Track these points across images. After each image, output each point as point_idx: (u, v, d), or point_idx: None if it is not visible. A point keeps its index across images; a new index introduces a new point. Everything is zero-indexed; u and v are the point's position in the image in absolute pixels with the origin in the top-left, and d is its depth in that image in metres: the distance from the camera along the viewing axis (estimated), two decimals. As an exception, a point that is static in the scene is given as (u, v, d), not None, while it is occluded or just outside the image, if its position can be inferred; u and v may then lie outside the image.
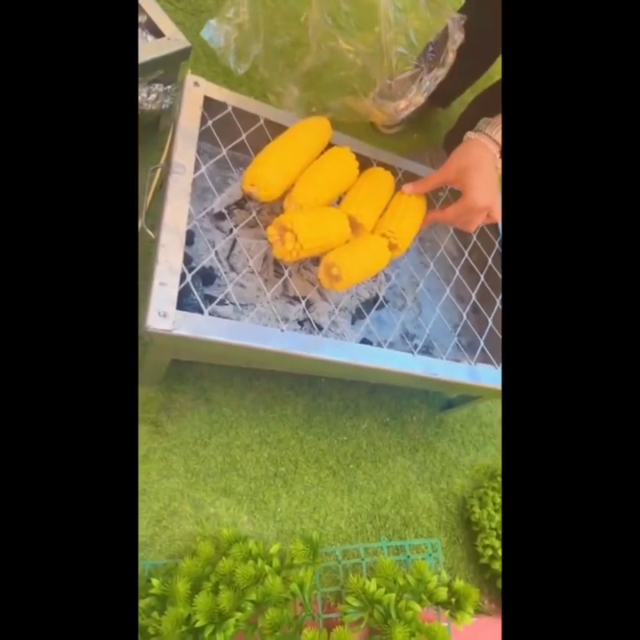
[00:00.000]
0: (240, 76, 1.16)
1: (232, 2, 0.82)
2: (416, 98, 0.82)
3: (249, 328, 0.68)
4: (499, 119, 0.78)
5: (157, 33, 0.83)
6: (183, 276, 0.66)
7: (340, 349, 0.73)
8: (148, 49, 0.80)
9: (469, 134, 0.79)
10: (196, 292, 0.67)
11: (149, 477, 0.79)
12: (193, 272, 0.67)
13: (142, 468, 0.79)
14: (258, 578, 0.71)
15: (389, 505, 0.94)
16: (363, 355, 0.73)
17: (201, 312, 0.66)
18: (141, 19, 0.82)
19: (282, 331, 0.69)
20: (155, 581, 0.69)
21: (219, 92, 0.80)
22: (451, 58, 0.81)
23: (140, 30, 0.82)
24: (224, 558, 0.72)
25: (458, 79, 1.19)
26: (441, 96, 1.25)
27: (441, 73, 0.82)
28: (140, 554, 0.75)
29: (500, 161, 0.78)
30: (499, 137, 0.77)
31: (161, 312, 0.62)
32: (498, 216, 0.79)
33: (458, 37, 0.80)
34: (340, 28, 0.81)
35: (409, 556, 0.82)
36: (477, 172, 0.75)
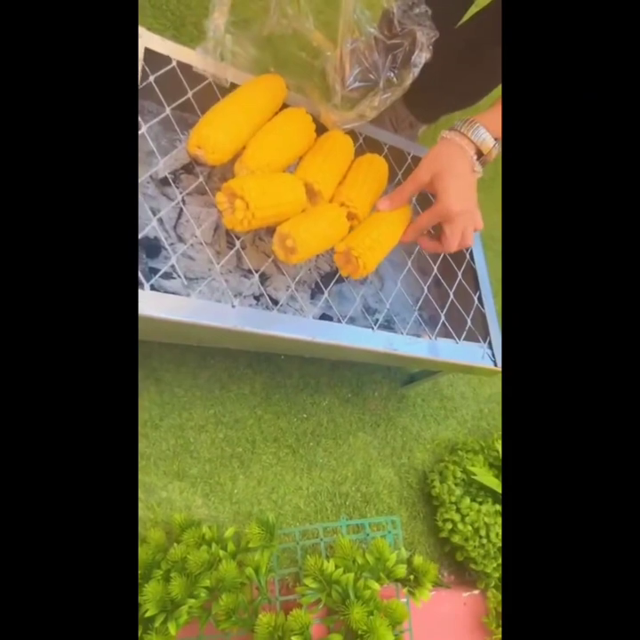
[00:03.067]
0: (191, 31, 1.08)
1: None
2: (366, 112, 0.76)
3: (197, 304, 0.63)
4: (479, 118, 0.72)
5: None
6: (122, 248, 0.60)
7: (297, 326, 0.69)
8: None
9: (444, 133, 0.73)
10: (164, 266, 0.62)
11: (95, 462, 0.75)
12: (153, 241, 0.62)
13: (87, 452, 0.74)
14: (212, 563, 0.69)
15: (350, 482, 0.93)
16: (321, 331, 0.70)
17: (141, 286, 0.60)
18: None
19: (233, 306, 0.65)
20: (101, 572, 0.66)
21: (162, 45, 0.73)
22: (411, 78, 0.74)
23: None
24: (176, 545, 0.69)
25: (449, 100, 1.12)
26: (428, 113, 1.17)
27: (396, 93, 0.75)
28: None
29: (478, 163, 0.72)
30: (478, 136, 0.70)
31: (97, 287, 0.56)
32: (479, 223, 0.74)
33: (424, 56, 0.73)
34: (303, 11, 0.73)
35: (368, 534, 0.81)
36: (451, 175, 0.69)
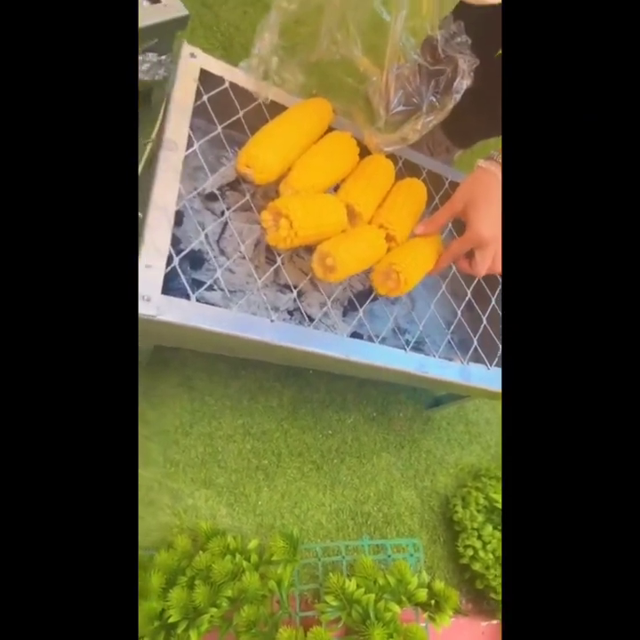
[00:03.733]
0: (239, 51, 1.12)
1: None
2: (408, 135, 0.78)
3: (238, 317, 0.65)
4: None
5: (153, -2, 0.78)
6: (170, 259, 0.62)
7: (332, 343, 0.70)
8: (143, 15, 0.75)
9: (480, 162, 0.75)
10: (183, 277, 0.64)
11: (126, 466, 0.76)
12: (181, 255, 0.64)
13: (119, 455, 0.76)
14: (235, 574, 0.69)
15: (372, 502, 0.93)
16: (354, 349, 0.71)
17: (186, 297, 0.63)
18: (137, -18, 0.77)
19: (272, 321, 0.67)
20: (128, 574, 0.67)
21: (216, 66, 0.76)
22: (452, 103, 0.76)
23: (134, -6, 0.77)
24: (201, 552, 0.70)
25: (486, 126, 1.14)
26: (464, 138, 1.19)
27: (438, 118, 0.78)
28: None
29: None
30: None
31: (145, 296, 0.58)
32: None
33: (465, 83, 0.76)
34: (352, 37, 0.76)
35: (390, 556, 0.81)
36: (484, 203, 0.71)
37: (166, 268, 0.61)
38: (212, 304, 0.71)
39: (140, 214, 0.66)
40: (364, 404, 1.00)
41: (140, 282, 0.59)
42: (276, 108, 0.79)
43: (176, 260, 0.63)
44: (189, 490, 0.79)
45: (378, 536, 0.90)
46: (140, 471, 0.77)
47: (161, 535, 0.75)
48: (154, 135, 0.91)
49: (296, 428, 0.91)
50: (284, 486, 0.86)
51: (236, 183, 0.83)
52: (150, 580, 0.66)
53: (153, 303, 0.59)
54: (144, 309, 0.58)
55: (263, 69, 0.85)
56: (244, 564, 0.70)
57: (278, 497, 0.85)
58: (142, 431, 0.79)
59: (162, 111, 0.95)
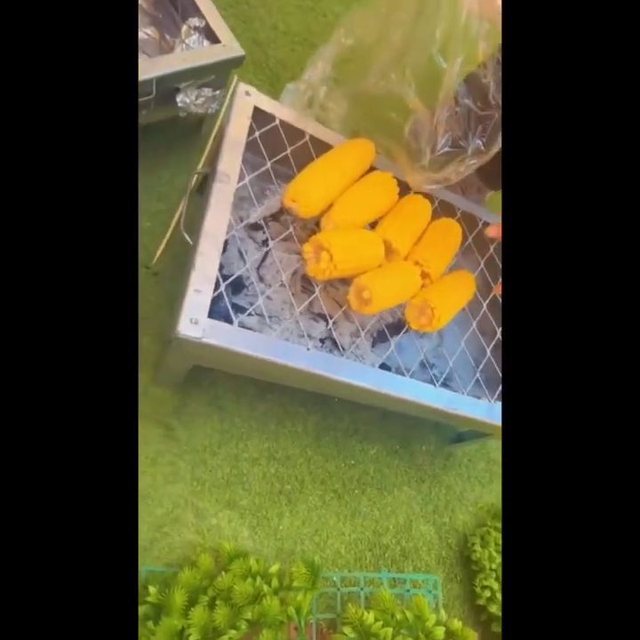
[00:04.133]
0: (276, 80, 1.17)
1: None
2: (451, 176, 0.81)
3: (276, 343, 0.67)
4: None
5: (214, 39, 0.83)
6: (217, 285, 0.65)
7: (364, 374, 0.72)
8: (203, 54, 0.81)
9: None
10: (227, 302, 0.67)
11: (155, 481, 0.78)
12: (227, 281, 0.67)
13: (149, 470, 0.78)
14: (255, 597, 0.70)
15: (391, 534, 0.93)
16: (385, 382, 0.73)
17: (229, 321, 0.65)
18: (200, 23, 0.83)
19: (308, 349, 0.69)
20: (152, 589, 0.68)
21: (268, 104, 0.81)
22: (496, 148, 0.79)
23: (197, 35, 0.82)
24: (223, 573, 0.71)
25: None
26: (496, 181, 1.22)
27: (481, 161, 0.81)
28: (139, 558, 0.74)
29: None
30: None
31: (193, 319, 0.61)
32: None
33: None
34: (407, 78, 0.80)
35: (408, 591, 0.81)
36: None
37: (213, 293, 0.64)
38: (249, 328, 0.73)
39: (190, 241, 0.70)
40: (386, 435, 1.01)
41: (188, 305, 0.62)
42: (321, 146, 0.83)
43: (222, 287, 0.66)
44: (214, 510, 0.80)
45: (395, 569, 0.90)
46: (168, 487, 0.79)
47: (184, 553, 0.76)
48: (201, 165, 0.95)
49: (319, 455, 0.92)
50: (306, 513, 0.87)
51: (279, 214, 0.87)
52: (173, 597, 0.67)
53: (200, 326, 0.61)
54: (191, 332, 0.61)
55: (309, 96, 0.89)
56: (265, 588, 0.71)
57: (299, 523, 0.86)
58: (172, 449, 0.81)
59: (210, 142, 1.00)
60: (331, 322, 0.75)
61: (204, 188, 0.86)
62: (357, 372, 0.71)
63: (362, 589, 0.79)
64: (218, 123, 1.00)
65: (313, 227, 0.85)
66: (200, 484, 0.81)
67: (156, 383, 0.82)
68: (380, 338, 0.92)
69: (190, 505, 0.79)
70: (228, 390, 0.88)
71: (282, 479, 0.87)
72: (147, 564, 0.74)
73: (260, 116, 0.80)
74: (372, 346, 0.92)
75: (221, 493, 0.82)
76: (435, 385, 0.77)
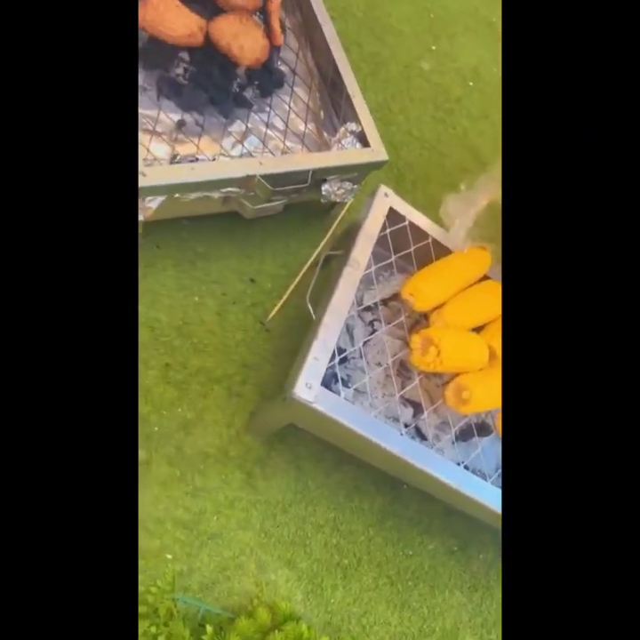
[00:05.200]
0: (408, 186, 1.29)
1: None
2: None
3: (374, 422, 0.72)
4: None
5: (365, 143, 0.95)
6: (332, 356, 0.72)
7: (448, 470, 0.75)
8: (355, 155, 0.93)
9: None
10: (338, 373, 0.73)
11: (229, 523, 0.83)
12: (342, 355, 0.74)
13: (226, 512, 0.83)
14: (301, 664, 0.71)
15: (436, 637, 0.91)
16: (468, 483, 0.75)
17: (335, 391, 0.71)
18: (356, 128, 0.95)
19: (401, 434, 0.73)
20: (209, 628, 0.71)
21: (401, 206, 0.90)
22: None
23: (352, 137, 0.95)
24: (277, 631, 0.73)
25: None
26: None
27: None
28: (199, 596, 0.78)
29: None
30: None
31: (308, 384, 0.68)
32: None
33: None
34: None
35: None
36: None
37: (328, 363, 0.71)
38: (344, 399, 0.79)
39: (313, 314, 0.78)
40: (448, 533, 1.00)
41: (306, 370, 0.69)
42: (441, 249, 0.91)
43: (337, 359, 0.73)
44: (274, 565, 0.83)
45: (435, 678, 0.87)
46: (239, 533, 0.83)
47: (240, 601, 0.79)
48: (325, 241, 1.06)
49: (380, 537, 0.94)
50: (358, 592, 0.87)
51: (389, 300, 0.94)
52: (227, 643, 0.69)
53: (313, 391, 0.68)
54: (305, 395, 0.67)
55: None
56: (312, 658, 0.72)
57: (350, 600, 0.86)
58: (249, 496, 0.86)
59: (335, 223, 1.11)
60: (425, 412, 0.79)
61: (325, 265, 0.96)
62: (444, 467, 0.74)
63: (403, 689, 0.77)
64: (344, 209, 1.12)
65: (417, 317, 0.92)
66: (267, 537, 0.84)
67: (249, 430, 0.89)
68: (462, 435, 0.94)
69: (255, 555, 0.83)
70: (308, 452, 0.93)
71: (341, 552, 0.89)
72: (206, 603, 0.77)
73: (393, 215, 0.89)
74: (453, 441, 0.94)
75: (284, 551, 0.85)
76: (513, 496, 0.78)
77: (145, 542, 0.76)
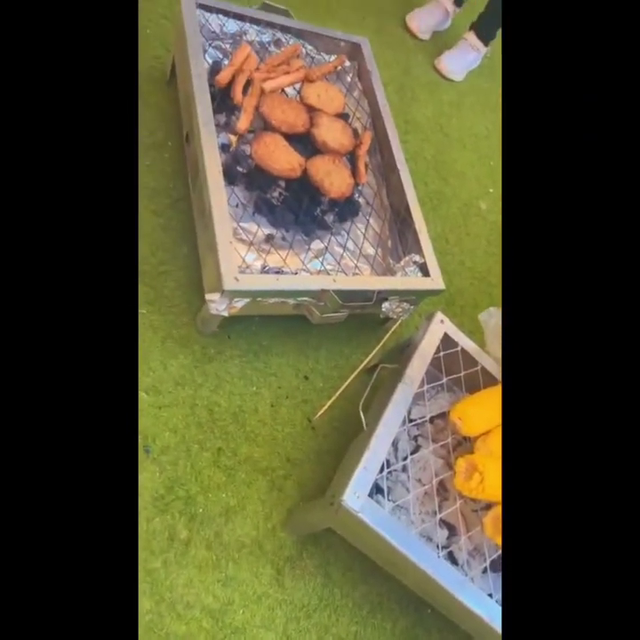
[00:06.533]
0: (457, 310, 1.38)
1: None
2: None
3: (414, 540, 0.74)
4: None
5: (425, 272, 1.06)
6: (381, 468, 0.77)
7: (482, 602, 0.75)
8: (416, 282, 1.03)
9: None
10: (384, 486, 0.77)
11: (253, 619, 0.83)
12: (390, 468, 0.78)
13: (251, 606, 0.84)
14: None
15: None
16: (499, 618, 0.74)
17: (374, 500, 0.75)
18: (419, 260, 1.06)
19: (438, 557, 0.75)
20: None
21: (455, 333, 0.98)
22: None
23: (414, 267, 1.06)
24: None
25: None
26: None
27: None
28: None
29: None
30: None
31: (356, 493, 0.72)
32: None
33: None
34: None
35: None
36: None
37: (377, 474, 0.75)
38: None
39: (365, 424, 0.84)
40: (468, 671, 0.96)
41: (356, 480, 0.73)
42: (489, 377, 0.97)
43: (385, 472, 0.77)
44: (292, 675, 0.82)
45: None
46: (261, 632, 0.83)
47: None
48: (376, 350, 1.14)
49: (399, 662, 0.91)
50: None
51: (434, 417, 0.99)
52: None
53: (360, 501, 0.72)
54: (353, 504, 0.71)
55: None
56: None
57: None
58: (277, 594, 0.87)
59: (387, 336, 1.19)
60: (462, 538, 0.81)
61: (371, 372, 1.02)
62: (478, 598, 0.74)
63: None
64: (397, 324, 1.21)
65: (461, 439, 0.96)
66: (287, 641, 0.84)
67: (285, 527, 0.91)
68: (492, 567, 0.94)
69: (274, 660, 0.82)
70: (338, 560, 0.94)
71: (359, 672, 0.87)
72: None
73: (446, 340, 0.97)
74: (483, 571, 0.94)
75: (303, 661, 0.84)
76: None
77: (173, 626, 0.78)
